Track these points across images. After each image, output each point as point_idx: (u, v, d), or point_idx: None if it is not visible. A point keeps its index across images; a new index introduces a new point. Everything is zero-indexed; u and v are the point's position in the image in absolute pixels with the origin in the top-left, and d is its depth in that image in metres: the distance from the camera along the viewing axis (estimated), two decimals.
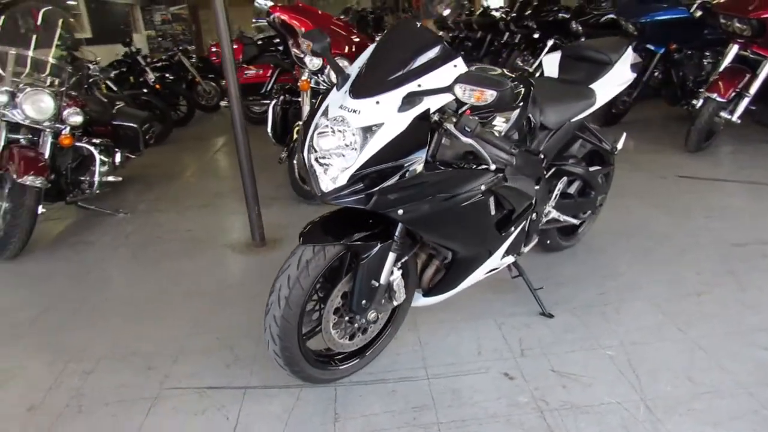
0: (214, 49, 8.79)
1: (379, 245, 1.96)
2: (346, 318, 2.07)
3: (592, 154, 2.91)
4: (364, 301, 2.00)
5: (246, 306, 2.76)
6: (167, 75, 8.37)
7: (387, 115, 1.76)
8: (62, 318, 2.85)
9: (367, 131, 1.77)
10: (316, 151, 1.82)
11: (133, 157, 5.10)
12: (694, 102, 4.75)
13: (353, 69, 1.97)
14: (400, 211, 1.83)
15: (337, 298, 2.01)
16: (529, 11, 8.98)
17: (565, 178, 2.66)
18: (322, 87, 4.38)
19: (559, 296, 2.68)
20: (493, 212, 2.20)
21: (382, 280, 2.01)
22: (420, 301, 2.28)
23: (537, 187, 2.41)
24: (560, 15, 8.42)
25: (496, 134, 2.07)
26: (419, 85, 1.79)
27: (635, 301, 2.59)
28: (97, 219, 4.36)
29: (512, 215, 2.27)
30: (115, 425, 2.05)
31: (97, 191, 4.28)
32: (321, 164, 1.81)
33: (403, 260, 2.11)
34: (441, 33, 15.05)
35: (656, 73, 5.67)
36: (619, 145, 2.86)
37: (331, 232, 1.94)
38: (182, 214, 4.34)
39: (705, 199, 3.74)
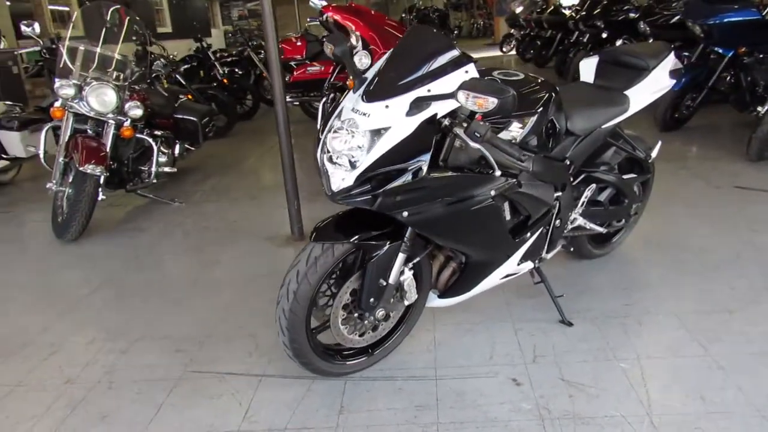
0: (282, 46, 9.05)
1: (387, 245, 2.01)
2: (356, 314, 2.13)
3: (631, 161, 2.85)
4: (372, 299, 2.06)
5: (273, 297, 2.86)
6: (236, 70, 8.69)
7: (395, 119, 1.81)
8: (107, 299, 3.06)
9: (375, 134, 1.82)
10: (328, 152, 1.89)
11: (193, 149, 5.35)
12: (759, 108, 4.51)
13: (371, 72, 2.02)
14: (405, 213, 1.87)
15: (345, 294, 2.08)
16: (599, 10, 8.74)
17: (594, 186, 2.61)
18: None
19: (582, 304, 2.64)
20: (508, 217, 2.21)
21: (391, 279, 2.06)
22: (435, 302, 2.31)
23: (560, 194, 2.39)
24: (630, 14, 8.16)
25: (511, 140, 2.08)
26: (429, 90, 1.82)
27: (659, 315, 2.52)
28: (154, 207, 4.61)
29: (528, 221, 2.27)
30: (138, 402, 2.20)
31: (155, 181, 4.53)
32: (333, 164, 1.88)
33: (414, 261, 2.15)
34: (512, 31, 14.88)
35: (727, 77, 5.41)
36: (654, 153, 2.78)
37: (341, 230, 2.00)
38: (231, 205, 4.53)
39: (756, 212, 3.56)
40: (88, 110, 3.99)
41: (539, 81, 2.23)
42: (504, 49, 15.49)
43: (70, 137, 4.01)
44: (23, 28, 4.35)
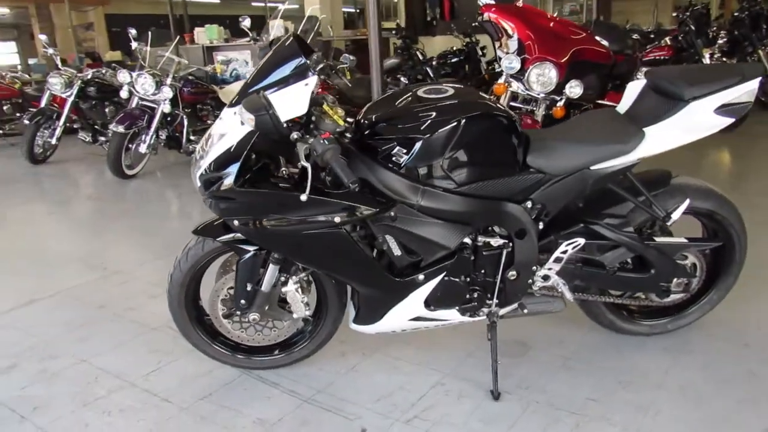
0: None
1: (252, 251, 2.01)
2: (237, 312, 2.16)
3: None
4: (242, 301, 2.08)
5: None
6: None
7: (231, 126, 1.80)
8: None
9: (220, 139, 1.84)
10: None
11: None
12: None
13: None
14: (236, 222, 1.85)
15: (222, 289, 2.13)
16: None
17: (579, 241, 2.05)
18: (521, 92, 4.13)
19: (538, 382, 2.14)
20: (398, 252, 1.95)
21: (263, 287, 2.05)
22: (352, 325, 2.18)
23: (505, 241, 2.00)
24: None
25: (395, 165, 1.84)
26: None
27: (610, 427, 1.90)
28: None
29: (421, 262, 1.96)
30: None
31: None
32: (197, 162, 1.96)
33: (302, 276, 2.09)
34: None
35: None
36: (675, 215, 2.03)
37: (220, 228, 2.06)
38: None
39: None
40: None
41: (460, 103, 1.88)
42: None
43: None
44: None
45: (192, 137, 5.89)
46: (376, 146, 1.87)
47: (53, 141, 6.63)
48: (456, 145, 1.84)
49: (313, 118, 1.80)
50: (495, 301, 2.09)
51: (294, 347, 2.28)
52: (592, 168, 1.97)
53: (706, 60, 6.28)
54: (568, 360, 2.28)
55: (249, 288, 2.05)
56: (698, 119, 1.92)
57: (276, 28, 8.27)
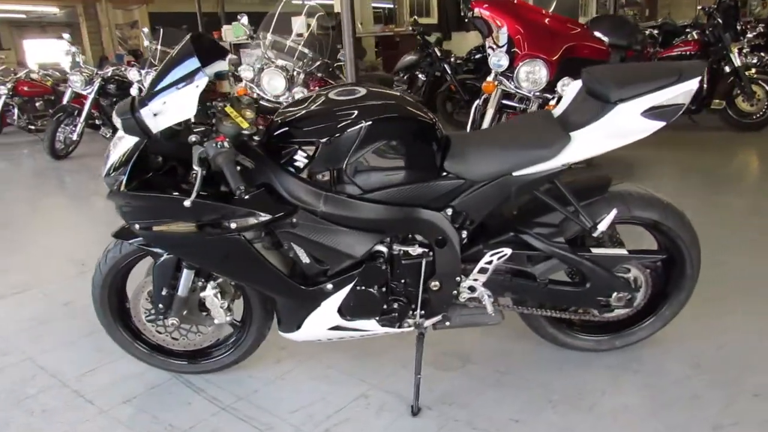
0: None
1: (165, 255, 1.98)
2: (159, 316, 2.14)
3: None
4: (160, 305, 2.06)
5: None
6: None
7: None
8: None
9: (120, 141, 1.82)
10: None
11: None
12: None
13: None
14: (137, 226, 1.82)
15: (143, 293, 2.11)
16: None
17: (506, 251, 1.94)
18: (511, 89, 3.98)
19: (464, 398, 2.04)
20: (306, 260, 1.89)
21: (180, 291, 2.03)
22: (280, 333, 2.13)
23: (424, 250, 1.91)
24: None
25: (297, 170, 1.77)
26: (164, 103, 1.71)
27: None
28: None
29: (327, 271, 1.89)
30: None
31: None
32: None
33: (219, 280, 2.05)
34: None
35: None
36: (602, 226, 1.88)
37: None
38: None
39: None
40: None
41: (365, 105, 1.80)
42: None
43: None
44: None
45: None
46: (281, 150, 1.81)
47: (74, 137, 6.83)
48: (358, 149, 1.76)
49: (214, 121, 1.75)
50: (420, 312, 2.00)
51: (215, 354, 2.24)
52: (515, 174, 1.85)
53: (735, 56, 5.93)
54: (503, 375, 2.17)
55: (164, 293, 2.02)
56: (623, 123, 1.78)
57: (299, 24, 8.34)
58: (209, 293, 2.04)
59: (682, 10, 13.39)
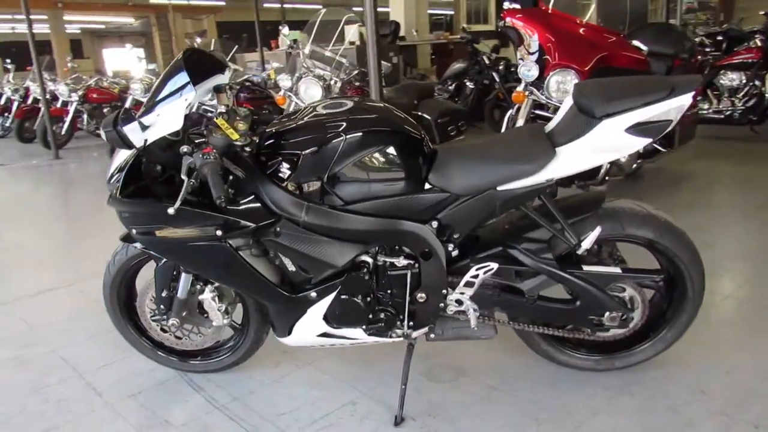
0: None
1: (164, 259, 2.08)
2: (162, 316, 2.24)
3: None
4: (161, 306, 2.16)
5: None
6: None
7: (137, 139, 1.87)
8: None
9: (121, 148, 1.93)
10: None
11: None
12: None
13: None
14: (134, 230, 1.92)
15: (147, 294, 2.22)
16: None
17: (493, 265, 1.93)
18: (542, 99, 3.92)
19: (450, 411, 2.04)
20: (292, 268, 1.94)
21: (179, 293, 2.12)
22: (276, 337, 2.20)
23: (410, 262, 1.93)
24: None
25: (281, 181, 1.83)
26: (158, 115, 1.81)
27: None
28: None
29: (312, 279, 1.93)
30: None
31: None
32: None
33: (216, 284, 2.13)
34: None
35: None
36: (586, 243, 1.83)
37: None
38: None
39: None
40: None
41: (347, 119, 1.83)
42: None
43: None
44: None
45: None
46: (268, 161, 1.87)
47: None
48: (338, 162, 1.80)
49: (205, 132, 1.83)
50: (408, 323, 2.02)
51: (216, 355, 2.33)
52: (499, 188, 1.84)
53: None
54: (494, 390, 2.15)
55: (165, 294, 2.13)
56: (607, 139, 1.73)
57: (351, 33, 8.52)
58: (207, 296, 2.13)
59: (759, 16, 12.69)
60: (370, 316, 2.00)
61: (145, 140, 1.78)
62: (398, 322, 2.03)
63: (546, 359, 2.21)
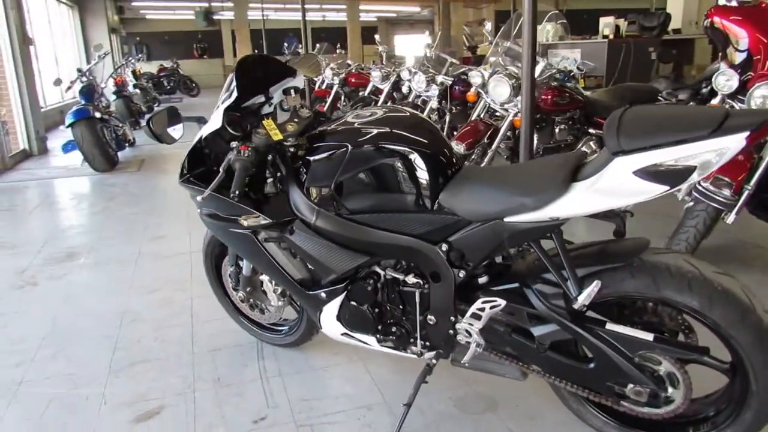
0: None
1: None
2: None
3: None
4: (233, 281, 2.45)
5: None
6: None
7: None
8: None
9: None
10: None
11: None
12: None
13: None
14: (198, 210, 2.21)
15: (230, 268, 2.51)
16: None
17: (500, 302, 1.75)
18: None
19: None
20: (307, 266, 2.05)
21: (244, 270, 2.39)
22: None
23: (419, 281, 1.89)
24: None
25: (301, 183, 1.95)
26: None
27: None
28: None
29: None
30: None
31: None
32: None
33: None
34: None
35: None
36: (582, 297, 1.50)
37: None
38: None
39: None
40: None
41: (357, 131, 1.85)
42: None
43: None
44: None
45: (454, 132, 6.26)
46: (303, 163, 1.97)
47: None
48: (342, 172, 1.82)
49: (253, 131, 2.02)
50: (422, 342, 1.97)
51: (278, 332, 2.55)
52: (506, 220, 1.66)
53: None
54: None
55: (233, 269, 2.40)
56: (613, 180, 1.44)
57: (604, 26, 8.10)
58: (265, 278, 2.34)
59: None
60: (380, 327, 2.00)
61: (201, 136, 2.05)
62: (412, 339, 1.98)
63: (576, 415, 1.93)
